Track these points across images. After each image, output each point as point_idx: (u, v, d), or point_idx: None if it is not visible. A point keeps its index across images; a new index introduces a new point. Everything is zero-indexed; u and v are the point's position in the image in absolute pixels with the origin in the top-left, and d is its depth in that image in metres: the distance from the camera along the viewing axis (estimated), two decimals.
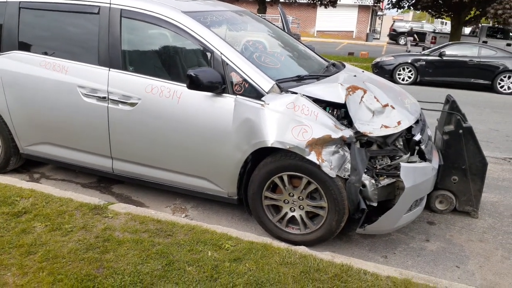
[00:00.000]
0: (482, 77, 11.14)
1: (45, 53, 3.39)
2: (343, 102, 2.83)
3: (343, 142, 2.68)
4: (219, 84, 2.85)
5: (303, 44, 4.22)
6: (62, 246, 2.63)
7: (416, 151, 2.98)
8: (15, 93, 3.48)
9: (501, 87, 11.04)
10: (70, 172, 4.04)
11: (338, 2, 20.28)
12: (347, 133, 2.69)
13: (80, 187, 3.79)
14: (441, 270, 2.82)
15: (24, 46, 3.46)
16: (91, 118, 3.26)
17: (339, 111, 2.90)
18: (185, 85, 2.91)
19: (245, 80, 2.87)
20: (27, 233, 2.75)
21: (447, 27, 35.50)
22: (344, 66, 3.84)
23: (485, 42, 16.83)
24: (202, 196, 3.23)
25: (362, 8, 31.69)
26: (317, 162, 2.62)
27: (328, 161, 2.62)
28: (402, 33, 29.61)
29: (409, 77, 11.60)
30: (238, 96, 2.87)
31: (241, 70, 2.88)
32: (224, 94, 2.90)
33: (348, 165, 2.66)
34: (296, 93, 2.83)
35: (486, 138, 6.10)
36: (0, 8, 3.53)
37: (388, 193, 2.81)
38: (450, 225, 3.40)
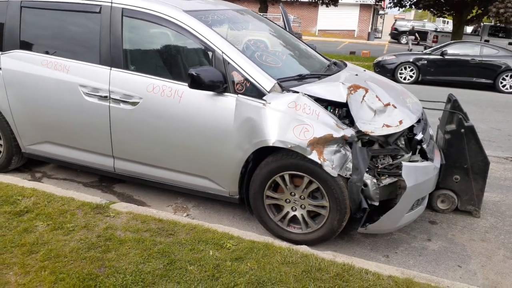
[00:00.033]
0: (484, 76, 11.11)
1: (47, 52, 3.40)
2: (344, 101, 2.83)
3: (345, 141, 2.68)
4: (221, 83, 2.85)
5: (305, 43, 4.21)
6: (64, 245, 2.64)
7: (417, 150, 2.98)
8: (17, 92, 3.48)
9: (503, 86, 11.01)
10: (71, 171, 4.05)
11: (340, 1, 20.25)
12: (349, 132, 2.68)
13: (82, 186, 3.79)
14: (443, 269, 2.82)
15: (26, 45, 3.46)
16: (92, 117, 3.26)
17: (341, 110, 2.89)
18: (187, 84, 2.91)
19: (246, 79, 2.87)
20: (29, 232, 2.75)
21: (449, 26, 35.40)
22: (346, 65, 3.83)
23: (487, 41, 16.78)
24: (203, 196, 3.23)
25: (363, 7, 31.62)
26: (319, 162, 2.62)
27: (330, 160, 2.62)
28: (404, 32, 29.56)
29: (411, 76, 11.58)
30: (239, 95, 2.87)
31: (242, 69, 2.88)
32: (225, 93, 2.90)
33: (349, 164, 2.66)
34: (297, 92, 2.83)
35: (488, 137, 6.08)
36: (1, 7, 3.54)
37: (389, 192, 2.80)
38: (452, 225, 3.40)
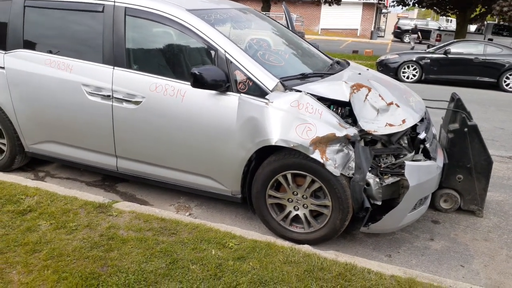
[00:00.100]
0: (488, 75, 11.07)
1: (50, 52, 3.40)
2: (347, 100, 2.82)
3: (348, 141, 2.67)
4: (223, 82, 2.85)
5: (307, 42, 4.21)
6: (66, 244, 2.64)
7: (420, 149, 2.97)
8: (20, 91, 3.49)
9: (507, 85, 10.96)
10: (74, 171, 4.06)
11: (343, 0, 20.20)
12: (352, 131, 2.68)
13: (85, 186, 3.80)
14: (445, 269, 2.81)
15: (29, 45, 3.47)
16: (95, 117, 3.27)
17: (344, 109, 2.89)
18: (189, 83, 2.91)
19: (249, 78, 2.87)
20: (32, 231, 2.76)
21: (452, 25, 35.27)
22: (349, 64, 3.82)
23: (490, 39, 16.71)
24: (206, 195, 3.23)
25: (366, 5, 31.54)
26: (321, 161, 2.61)
27: (332, 160, 2.62)
28: (407, 31, 29.48)
29: (414, 75, 11.54)
30: (242, 94, 2.87)
31: (245, 68, 2.88)
32: (228, 92, 2.90)
33: (352, 164, 2.65)
34: (300, 91, 2.83)
35: (491, 136, 6.06)
36: (5, 7, 3.55)
37: (392, 191, 2.79)
38: (455, 224, 3.39)
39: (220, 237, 2.77)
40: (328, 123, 2.68)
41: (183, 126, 3.01)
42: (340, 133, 2.64)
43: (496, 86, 11.06)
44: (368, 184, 2.68)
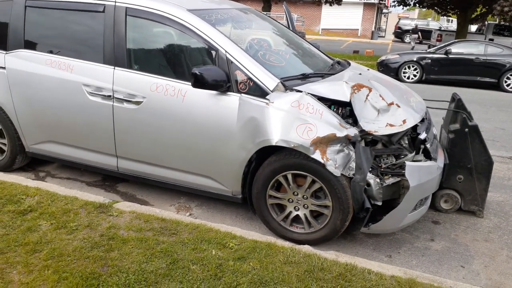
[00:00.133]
0: (488, 75, 11.06)
1: (51, 52, 3.41)
2: (348, 100, 2.82)
3: (348, 141, 2.67)
4: (224, 83, 2.85)
5: (308, 42, 4.20)
6: (67, 244, 2.65)
7: (421, 150, 2.96)
8: (21, 91, 3.50)
9: (508, 85, 10.95)
10: (75, 171, 4.06)
11: (343, 0, 20.19)
12: (352, 131, 2.68)
13: (85, 186, 3.80)
14: (445, 269, 2.81)
15: (30, 45, 3.47)
16: (96, 117, 3.27)
17: (344, 110, 2.89)
18: (190, 83, 2.91)
19: (249, 78, 2.87)
20: (33, 231, 2.76)
21: (453, 25, 35.26)
22: (349, 64, 3.82)
23: (491, 39, 16.70)
24: (206, 195, 3.23)
25: (367, 6, 31.52)
26: (322, 161, 2.61)
27: (333, 160, 2.62)
28: (408, 31, 29.47)
29: (415, 75, 11.54)
30: (242, 94, 2.87)
31: (245, 68, 2.88)
32: (228, 93, 2.90)
33: (353, 164, 2.65)
34: (301, 91, 2.83)
35: (492, 136, 6.05)
36: (6, 7, 3.55)
37: (393, 192, 2.79)
38: (455, 225, 3.38)
39: (221, 238, 2.77)
40: (329, 124, 2.68)
41: (184, 126, 3.01)
42: (341, 134, 2.64)
43: (497, 87, 11.06)
44: (368, 184, 2.68)
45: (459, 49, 11.38)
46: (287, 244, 2.79)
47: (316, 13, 31.84)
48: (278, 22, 4.25)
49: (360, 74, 3.42)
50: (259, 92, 2.84)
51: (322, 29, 32.41)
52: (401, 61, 11.59)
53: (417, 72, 11.50)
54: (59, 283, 2.29)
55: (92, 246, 2.63)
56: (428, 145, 2.93)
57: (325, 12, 31.48)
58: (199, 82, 2.78)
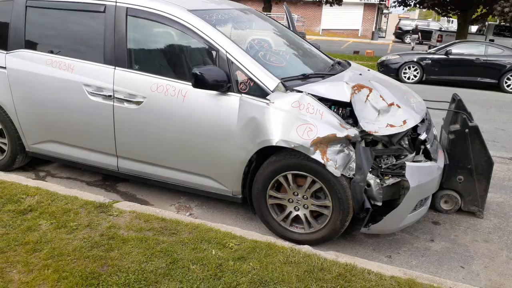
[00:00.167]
0: (489, 75, 11.06)
1: (51, 52, 3.41)
2: (348, 100, 2.82)
3: (348, 141, 2.68)
4: (224, 83, 2.85)
5: (309, 43, 4.21)
6: (67, 243, 2.65)
7: (421, 150, 2.97)
8: (21, 91, 3.50)
9: (508, 86, 10.95)
10: (75, 170, 4.07)
11: (344, 0, 20.19)
12: (352, 132, 2.68)
13: (86, 185, 3.81)
14: (445, 270, 2.81)
15: (31, 45, 3.48)
16: (96, 117, 3.27)
17: (345, 110, 2.89)
18: (190, 83, 2.92)
19: (250, 78, 2.87)
20: (33, 231, 2.77)
21: (453, 25, 35.26)
22: (350, 65, 3.82)
23: (492, 40, 16.70)
24: (206, 195, 3.24)
25: (367, 6, 31.54)
26: (322, 161, 2.61)
27: (333, 160, 2.62)
28: (408, 32, 29.46)
29: (415, 76, 11.54)
30: (243, 94, 2.87)
31: (246, 68, 2.88)
32: (229, 93, 2.90)
33: (353, 164, 2.65)
34: (301, 91, 2.83)
35: (492, 137, 6.06)
36: (7, 7, 3.55)
37: (393, 192, 2.79)
38: (455, 225, 3.38)
39: (221, 237, 2.77)
40: (329, 124, 2.68)
41: (184, 126, 3.01)
42: (341, 134, 2.65)
43: (497, 87, 11.06)
44: (368, 184, 2.68)
45: (460, 50, 11.38)
46: (287, 244, 2.79)
47: (317, 13, 31.86)
48: (279, 23, 4.25)
49: (361, 74, 3.42)
50: (260, 92, 2.84)
51: (322, 29, 32.42)
52: (402, 62, 11.59)
53: (417, 73, 11.50)
54: (59, 283, 2.29)
55: (92, 245, 2.64)
56: (428, 146, 2.93)
57: (326, 13, 31.50)
58: (200, 82, 2.79)
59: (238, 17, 3.64)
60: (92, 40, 3.28)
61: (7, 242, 2.63)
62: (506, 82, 10.95)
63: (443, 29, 26.22)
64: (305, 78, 3.10)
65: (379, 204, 2.73)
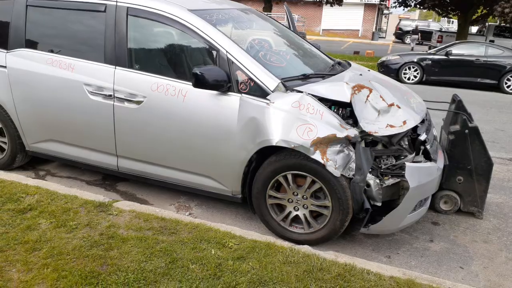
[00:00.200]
0: (489, 76, 11.07)
1: (52, 51, 3.41)
2: (348, 101, 2.82)
3: (348, 142, 2.68)
4: (225, 83, 2.85)
5: (309, 43, 4.21)
6: (66, 243, 2.65)
7: (421, 151, 2.97)
8: (22, 90, 3.50)
9: (508, 86, 10.96)
10: (75, 170, 4.07)
11: (344, 0, 20.20)
12: (352, 132, 2.68)
13: (85, 185, 3.81)
14: (444, 270, 2.81)
15: (31, 44, 3.48)
16: (96, 116, 3.27)
17: (345, 110, 2.89)
18: (191, 83, 2.92)
19: (250, 78, 2.87)
20: (32, 230, 2.77)
21: (454, 26, 35.27)
22: (350, 65, 3.83)
23: (492, 41, 16.70)
24: (206, 195, 3.24)
25: (368, 6, 31.54)
26: (322, 161, 2.61)
27: (333, 160, 2.62)
28: (408, 32, 29.47)
29: (415, 76, 11.54)
30: (243, 94, 2.87)
31: (246, 68, 2.88)
32: (229, 93, 2.90)
33: (353, 165, 2.66)
34: (301, 91, 2.83)
35: (492, 138, 6.06)
36: (7, 6, 3.55)
37: (392, 193, 2.80)
38: (455, 226, 3.39)
39: (220, 237, 2.78)
40: (329, 124, 2.68)
41: (184, 126, 3.01)
42: (341, 134, 2.65)
43: (497, 88, 11.06)
44: (368, 185, 2.68)
45: (460, 51, 11.39)
46: (286, 244, 2.80)
47: (317, 13, 31.86)
48: (279, 23, 4.25)
49: (361, 75, 3.42)
50: (260, 92, 2.84)
51: (322, 29, 32.42)
52: (402, 62, 11.60)
53: (417, 73, 11.51)
54: (58, 282, 2.30)
55: (91, 245, 2.64)
56: (428, 146, 2.93)
57: (326, 13, 31.50)
58: (200, 82, 2.79)
59: (239, 17, 3.64)
60: (93, 39, 3.28)
61: (7, 241, 2.63)
62: (506, 83, 10.95)
63: (443, 30, 26.23)
64: (305, 78, 3.10)
65: (379, 204, 2.74)
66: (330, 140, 2.64)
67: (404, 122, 2.87)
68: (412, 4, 19.19)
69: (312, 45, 4.18)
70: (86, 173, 4.00)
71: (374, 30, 31.94)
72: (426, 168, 2.83)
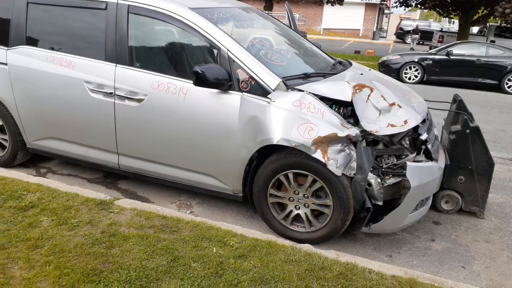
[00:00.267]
0: (490, 76, 11.06)
1: (52, 48, 3.41)
2: (349, 100, 2.82)
3: (349, 141, 2.68)
4: (226, 81, 2.85)
5: (310, 42, 4.21)
6: (68, 240, 2.65)
7: (422, 150, 2.97)
8: (22, 87, 3.50)
9: (509, 87, 10.95)
10: (76, 167, 4.07)
11: (345, 0, 20.18)
12: (353, 131, 2.68)
13: (86, 182, 3.81)
14: (446, 270, 2.81)
15: (32, 41, 3.48)
16: (97, 114, 3.27)
17: (346, 109, 2.89)
18: (192, 81, 2.92)
19: (251, 77, 2.87)
20: (34, 227, 2.77)
21: (454, 26, 35.23)
22: (351, 64, 3.82)
23: (493, 41, 16.68)
24: (207, 193, 3.24)
25: (369, 6, 31.51)
26: (323, 160, 2.61)
27: (334, 160, 2.62)
28: (409, 32, 29.44)
29: (416, 76, 11.53)
30: (244, 93, 2.87)
31: (247, 67, 2.88)
32: (230, 91, 2.90)
33: (354, 164, 2.66)
34: (302, 90, 2.83)
35: (493, 138, 6.06)
36: (8, 3, 3.55)
37: (393, 192, 2.80)
38: (456, 225, 3.39)
39: (221, 235, 2.78)
40: (330, 123, 2.68)
41: (185, 124, 3.01)
42: (342, 133, 2.65)
43: (498, 88, 11.05)
44: (369, 184, 2.68)
45: (461, 51, 11.38)
46: (287, 242, 2.80)
47: (318, 13, 31.83)
48: (280, 22, 4.25)
49: (362, 74, 3.42)
50: (261, 91, 2.84)
51: (323, 29, 32.40)
52: (403, 62, 11.59)
53: (418, 73, 11.50)
54: (60, 279, 2.30)
55: (93, 242, 2.64)
56: (429, 146, 2.93)
57: (327, 12, 31.47)
58: (201, 80, 2.79)
59: (240, 15, 3.64)
60: (94, 37, 3.28)
61: (9, 238, 2.63)
62: (507, 83, 10.94)
63: (444, 30, 26.21)
64: (306, 77, 3.10)
65: (380, 203, 2.73)
66: (331, 139, 2.64)
67: (405, 122, 2.87)
68: (413, 4, 19.17)
69: (313, 44, 4.18)
70: (87, 171, 4.01)
71: (375, 29, 31.91)
72: (427, 167, 2.83)
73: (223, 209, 3.46)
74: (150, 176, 3.37)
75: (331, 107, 2.83)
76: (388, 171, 2.76)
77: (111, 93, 3.18)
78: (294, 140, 2.67)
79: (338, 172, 2.62)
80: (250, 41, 3.37)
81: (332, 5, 19.94)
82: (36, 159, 4.13)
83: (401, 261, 2.89)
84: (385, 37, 34.57)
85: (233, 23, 3.43)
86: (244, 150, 2.88)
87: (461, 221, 3.46)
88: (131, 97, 3.12)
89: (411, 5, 19.48)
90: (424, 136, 2.93)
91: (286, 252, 2.64)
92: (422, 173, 2.76)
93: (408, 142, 2.93)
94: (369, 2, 31.15)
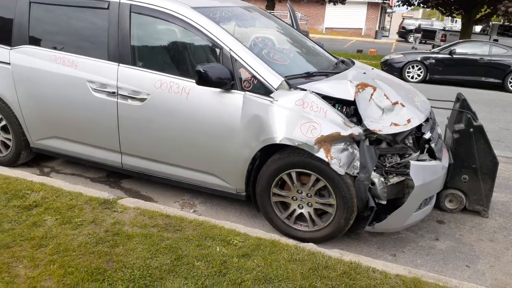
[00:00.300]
0: (493, 75, 11.02)
1: (55, 48, 3.42)
2: (352, 99, 2.82)
3: (352, 140, 2.67)
4: (228, 80, 2.85)
5: (312, 41, 4.20)
6: (72, 239, 2.66)
7: (425, 149, 2.96)
8: (26, 87, 3.51)
9: None
10: (80, 167, 4.08)
11: None
12: (357, 130, 2.67)
13: (90, 182, 3.81)
14: (450, 269, 2.80)
15: (34, 41, 3.48)
16: (100, 113, 3.27)
17: (349, 109, 2.88)
18: (194, 81, 2.92)
19: (254, 76, 2.87)
20: (38, 226, 2.78)
21: (457, 25, 35.12)
22: (354, 63, 3.82)
23: (496, 40, 16.62)
24: (210, 192, 3.24)
25: (371, 5, 31.45)
26: (326, 160, 2.61)
27: (337, 159, 2.61)
28: (412, 31, 29.36)
29: (419, 75, 11.50)
30: (246, 92, 2.87)
31: (250, 66, 2.88)
32: (232, 90, 2.90)
33: (357, 163, 2.65)
34: (305, 89, 2.82)
35: (496, 137, 6.03)
36: (10, 3, 3.56)
37: (397, 191, 2.79)
38: (460, 224, 3.38)
39: (225, 234, 2.78)
40: (333, 122, 2.68)
41: (188, 123, 3.01)
42: (345, 132, 2.64)
43: (501, 87, 11.02)
44: (373, 183, 2.68)
45: (464, 50, 11.34)
46: (291, 242, 2.79)
47: (320, 12, 31.80)
48: (282, 21, 4.25)
49: (365, 73, 3.41)
50: (263, 90, 2.84)
51: (325, 28, 32.37)
52: (405, 61, 11.56)
53: (421, 72, 11.47)
54: (65, 278, 2.30)
55: (97, 241, 2.64)
56: (432, 145, 2.92)
57: (329, 11, 31.44)
58: (203, 80, 2.79)
59: (242, 15, 3.63)
60: (96, 36, 3.28)
61: (13, 237, 2.64)
62: (510, 82, 10.90)
63: (446, 29, 26.12)
64: (308, 76, 3.09)
65: (384, 202, 2.73)
66: (334, 138, 2.64)
67: (409, 121, 2.86)
68: (416, 3, 19.12)
69: (316, 43, 4.17)
70: (90, 170, 4.01)
71: (377, 28, 31.85)
72: (431, 166, 2.82)
73: (226, 208, 3.46)
74: (153, 175, 3.38)
75: (334, 106, 2.82)
76: (391, 170, 2.76)
77: (114, 92, 3.18)
78: (297, 139, 2.67)
79: (341, 171, 2.62)
80: (253, 40, 3.37)
81: (335, 4, 19.94)
82: (39, 159, 4.15)
83: (405, 260, 2.88)
84: (388, 36, 34.52)
85: (235, 22, 3.42)
86: (246, 149, 2.88)
87: (465, 220, 3.45)
88: (133, 96, 3.13)
89: (413, 4, 19.42)
90: (427, 135, 2.93)
91: (290, 251, 2.64)
92: (425, 172, 2.75)
93: (411, 141, 2.93)
94: (371, 1, 31.10)
